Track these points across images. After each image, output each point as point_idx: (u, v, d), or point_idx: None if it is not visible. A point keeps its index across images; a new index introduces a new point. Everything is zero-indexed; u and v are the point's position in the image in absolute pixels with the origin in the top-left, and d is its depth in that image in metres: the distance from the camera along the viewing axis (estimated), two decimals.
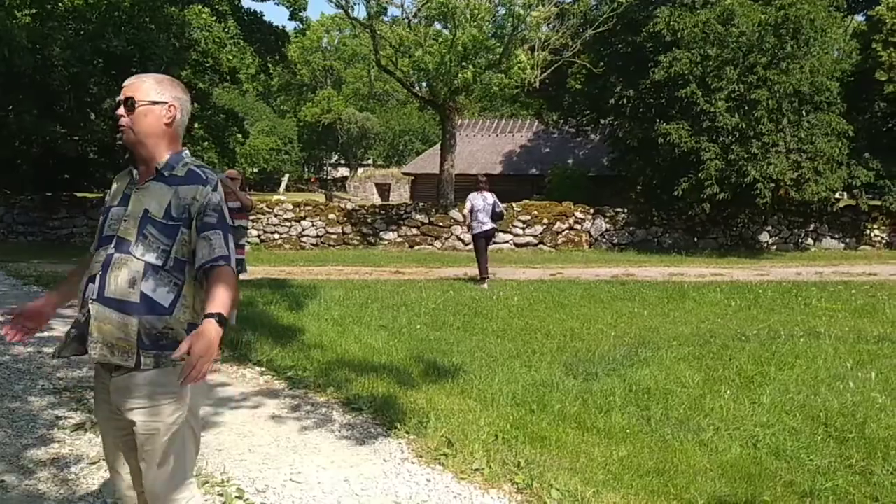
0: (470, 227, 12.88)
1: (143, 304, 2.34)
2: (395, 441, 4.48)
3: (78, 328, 2.44)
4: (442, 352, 6.98)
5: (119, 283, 2.35)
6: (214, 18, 17.34)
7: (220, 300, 2.29)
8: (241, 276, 8.48)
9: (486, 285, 12.14)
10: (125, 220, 2.41)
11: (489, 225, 12.53)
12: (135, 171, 2.49)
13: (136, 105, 2.42)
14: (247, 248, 8.29)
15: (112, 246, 2.40)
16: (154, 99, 2.44)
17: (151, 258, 2.36)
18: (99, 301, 2.37)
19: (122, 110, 2.43)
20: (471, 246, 19.63)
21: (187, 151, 2.55)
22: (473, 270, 13.49)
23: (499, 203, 12.72)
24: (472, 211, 12.50)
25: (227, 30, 17.33)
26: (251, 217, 15.72)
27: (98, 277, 2.39)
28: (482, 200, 12.53)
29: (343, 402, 5.25)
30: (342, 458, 4.19)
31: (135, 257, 2.36)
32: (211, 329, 2.20)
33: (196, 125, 19.95)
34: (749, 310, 9.95)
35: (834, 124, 18.69)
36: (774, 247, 21.02)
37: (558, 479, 3.81)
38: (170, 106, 2.46)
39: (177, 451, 2.42)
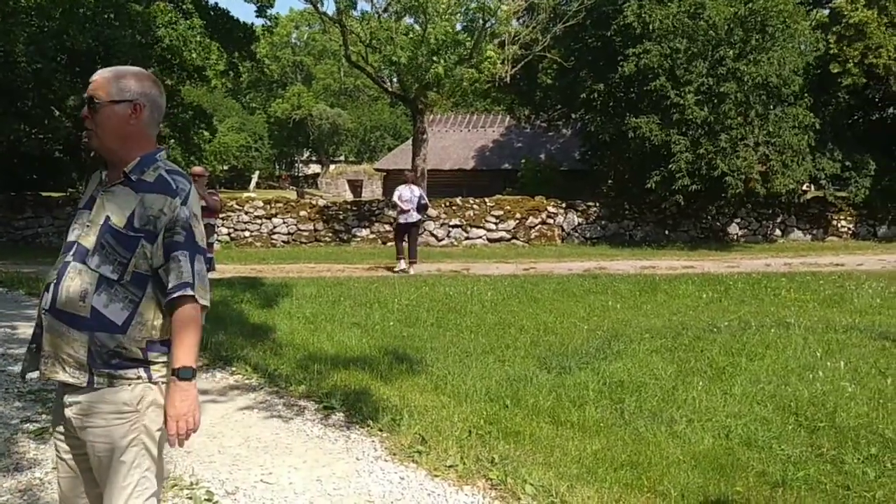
0: (396, 217, 14.14)
1: (94, 319, 2.15)
2: (368, 439, 4.43)
3: (35, 341, 2.29)
4: (415, 348, 6.95)
5: (70, 295, 2.16)
6: (180, 15, 17.07)
7: (188, 348, 2.17)
8: (211, 275, 8.36)
9: (412, 270, 13.50)
10: (87, 226, 2.23)
11: (415, 216, 13.75)
12: (104, 173, 2.30)
13: (98, 105, 2.22)
14: (216, 245, 8.15)
15: (70, 253, 2.22)
16: (116, 98, 2.23)
17: (107, 270, 2.16)
18: (50, 312, 2.20)
19: (85, 110, 2.25)
20: (444, 241, 19.77)
21: (163, 153, 2.34)
22: (447, 266, 13.52)
23: (424, 196, 14.04)
24: (401, 200, 13.68)
25: (192, 27, 17.06)
26: (221, 215, 15.55)
27: (52, 287, 2.21)
28: (409, 192, 13.72)
29: (315, 400, 5.19)
30: (314, 458, 4.14)
31: (89, 268, 2.17)
32: (178, 391, 2.15)
33: (161, 124, 19.67)
34: (720, 301, 10.04)
35: (800, 117, 18.93)
36: (744, 239, 21.27)
37: (532, 474, 3.79)
38: (135, 104, 2.24)
39: (130, 476, 2.22)
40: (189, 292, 2.17)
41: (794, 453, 4.30)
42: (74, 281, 2.17)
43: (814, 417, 4.90)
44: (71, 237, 2.26)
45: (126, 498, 2.22)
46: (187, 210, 2.21)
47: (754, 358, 6.52)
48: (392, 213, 18.96)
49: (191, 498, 3.56)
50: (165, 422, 2.21)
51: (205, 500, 3.54)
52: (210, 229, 7.90)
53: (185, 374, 2.16)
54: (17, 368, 5.85)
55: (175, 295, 2.16)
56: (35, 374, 2.31)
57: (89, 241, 2.20)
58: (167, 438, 2.27)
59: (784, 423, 4.81)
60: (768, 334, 7.54)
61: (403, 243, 13.97)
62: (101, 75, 2.28)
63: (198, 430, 2.23)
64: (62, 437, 2.32)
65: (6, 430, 4.51)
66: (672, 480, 3.82)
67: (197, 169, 8.35)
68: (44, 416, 4.74)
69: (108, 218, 2.20)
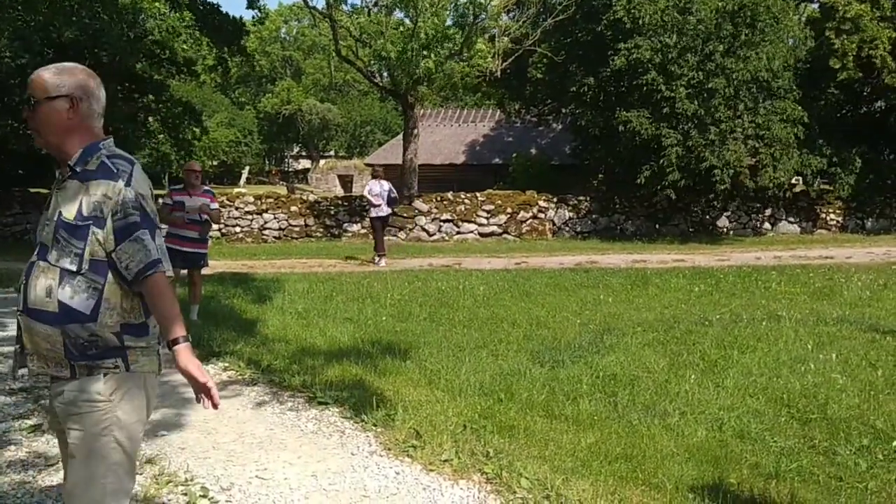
0: (369, 211, 14.98)
1: (62, 313, 2.19)
2: (363, 434, 4.43)
3: (19, 340, 2.33)
4: (408, 343, 6.93)
5: (38, 293, 2.21)
6: (169, 7, 16.93)
7: (173, 319, 2.23)
8: (204, 271, 8.33)
9: (383, 262, 14.10)
10: (46, 224, 2.28)
11: (386, 210, 14.50)
12: (58, 171, 2.34)
13: (36, 104, 2.25)
14: (209, 242, 8.14)
15: (36, 252, 2.28)
16: (52, 94, 2.25)
17: (66, 263, 2.20)
18: (24, 312, 2.25)
19: (26, 111, 2.28)
20: (435, 236, 19.77)
21: (108, 141, 2.35)
22: (439, 261, 13.50)
23: (394, 190, 14.76)
24: (371, 194, 14.43)
25: (182, 20, 16.94)
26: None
27: (23, 287, 2.27)
28: (379, 187, 14.42)
29: (309, 396, 5.18)
30: (309, 453, 4.13)
31: (50, 264, 2.21)
32: (186, 356, 2.22)
33: (151, 118, 19.53)
34: (711, 295, 10.08)
35: (789, 111, 19.01)
36: (734, 232, 21.36)
37: (527, 468, 3.80)
38: (71, 98, 2.26)
39: (95, 466, 2.22)
40: (161, 268, 2.23)
41: (787, 445, 4.32)
42: (39, 279, 2.22)
43: (806, 409, 4.93)
44: (37, 238, 2.33)
45: (86, 487, 2.23)
46: (132, 191, 2.24)
47: (746, 351, 6.55)
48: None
49: (186, 494, 3.55)
50: (195, 392, 2.29)
51: (200, 496, 3.53)
52: (207, 226, 7.92)
53: (181, 341, 2.23)
54: (4, 368, 5.82)
55: (148, 273, 2.21)
56: (24, 372, 2.34)
57: (48, 238, 2.25)
58: (142, 433, 2.36)
59: (776, 416, 4.83)
60: (760, 327, 7.57)
61: (382, 236, 14.64)
62: (36, 74, 2.30)
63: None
64: (56, 427, 2.39)
65: (0, 427, 4.48)
66: (666, 473, 3.83)
67: (192, 164, 8.28)
68: (37, 413, 4.72)
69: (60, 213, 2.24)
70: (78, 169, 2.27)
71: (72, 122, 2.27)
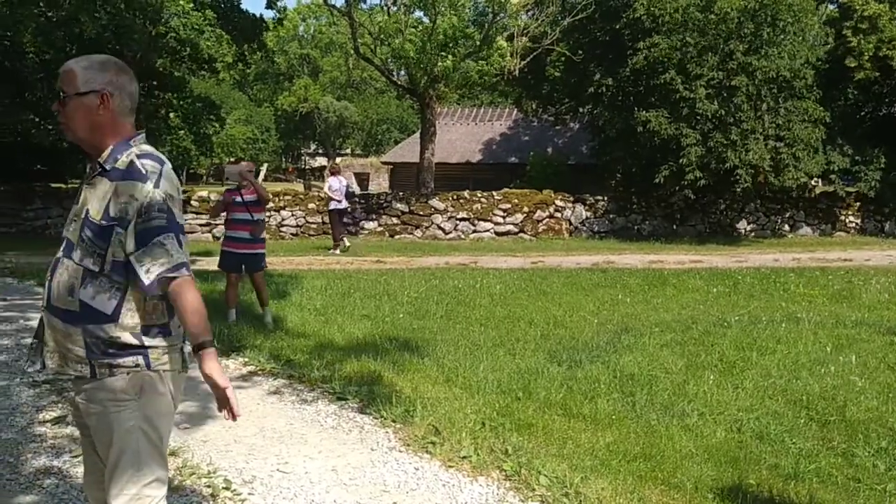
0: (328, 204, 16.38)
1: (83, 312, 2.18)
2: (382, 430, 4.46)
3: (37, 335, 2.33)
4: (426, 340, 6.96)
5: (60, 291, 2.21)
6: (191, 6, 17.06)
7: (199, 323, 2.18)
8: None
9: (338, 251, 15.71)
10: (73, 220, 2.26)
11: (344, 203, 16.19)
12: (88, 165, 2.31)
13: (66, 98, 2.22)
14: (265, 243, 7.95)
15: (61, 249, 2.27)
16: (83, 90, 2.21)
17: (89, 263, 2.18)
18: (47, 309, 2.25)
19: (56, 104, 2.25)
20: (451, 235, 19.84)
21: (139, 137, 2.31)
22: (455, 259, 13.55)
23: (352, 185, 16.51)
24: (331, 190, 16.06)
25: (204, 18, 17.07)
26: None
27: (47, 283, 2.27)
28: (338, 183, 16.13)
29: (328, 391, 5.23)
30: (329, 448, 4.17)
31: (74, 262, 2.20)
32: (210, 362, 2.20)
33: (172, 114, 19.68)
34: (729, 296, 10.04)
35: (811, 111, 18.88)
36: (752, 234, 21.23)
37: (546, 466, 3.82)
38: (102, 94, 2.22)
39: (129, 463, 2.24)
40: (185, 273, 2.18)
41: (806, 446, 4.31)
42: (63, 276, 2.22)
43: (825, 411, 4.92)
44: (64, 232, 2.31)
45: (123, 485, 2.25)
46: (160, 193, 2.19)
47: (765, 352, 6.54)
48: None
49: (209, 486, 3.60)
50: (217, 400, 2.28)
51: (223, 487, 3.57)
52: (261, 225, 7.73)
53: (208, 346, 2.20)
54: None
55: (172, 276, 2.17)
56: (36, 367, 2.34)
57: (74, 235, 2.24)
58: (171, 427, 2.37)
59: (796, 417, 4.82)
60: (778, 329, 7.54)
61: (341, 227, 16.42)
62: (67, 66, 2.27)
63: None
64: (80, 421, 2.40)
65: (23, 419, 4.56)
66: (685, 473, 3.84)
67: (246, 163, 8.21)
68: (59, 405, 4.79)
69: (87, 211, 2.22)
70: (108, 167, 2.24)
71: (102, 118, 2.24)
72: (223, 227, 8.06)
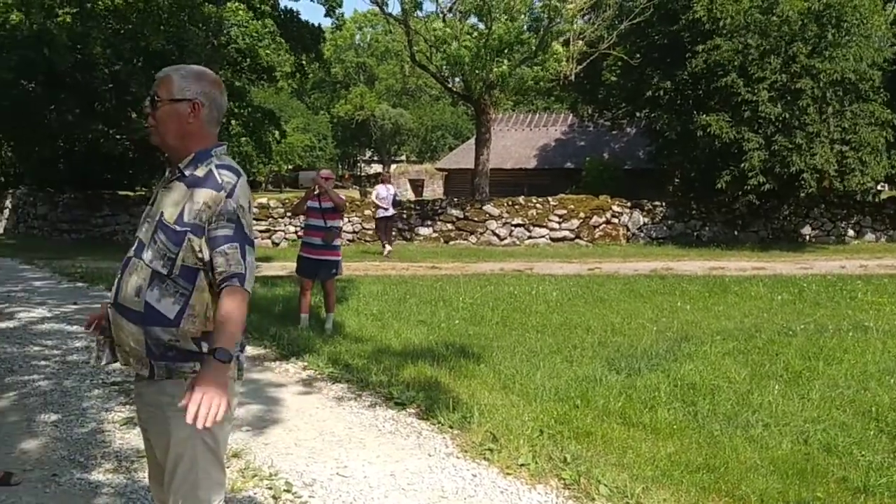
0: (376, 212, 16.93)
1: (147, 314, 2.22)
2: (440, 436, 4.47)
3: (104, 333, 2.38)
4: (481, 347, 6.96)
5: (128, 290, 2.26)
6: (251, 16, 17.50)
7: (228, 332, 2.12)
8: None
9: (386, 254, 16.20)
10: (147, 222, 2.32)
11: (391, 211, 16.58)
12: (168, 169, 2.39)
13: (159, 103, 2.30)
14: (339, 250, 8.05)
15: (133, 248, 2.32)
16: (177, 97, 2.29)
17: (158, 265, 2.23)
18: (114, 307, 2.31)
19: (148, 107, 2.33)
20: (506, 241, 19.83)
21: (221, 148, 2.36)
22: (510, 265, 13.51)
23: (399, 193, 17.11)
24: (377, 198, 16.56)
25: (265, 26, 17.49)
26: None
27: (117, 281, 2.32)
28: (385, 191, 16.57)
29: (386, 396, 5.26)
30: (387, 453, 4.20)
31: (144, 263, 2.25)
32: (211, 368, 2.07)
33: (234, 122, 20.16)
34: (794, 304, 9.78)
35: (877, 114, 18.28)
36: (816, 240, 20.61)
37: (606, 475, 3.77)
38: (194, 103, 2.30)
39: (187, 469, 2.27)
40: (237, 283, 2.18)
41: (876, 459, 4.17)
42: (132, 276, 2.27)
43: (895, 423, 4.74)
44: (137, 232, 2.37)
45: (185, 492, 2.27)
46: (233, 202, 2.23)
47: (832, 362, 6.33)
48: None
49: (271, 488, 3.66)
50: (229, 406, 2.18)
51: (284, 490, 3.63)
52: (335, 231, 7.78)
53: (221, 355, 2.09)
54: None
55: (225, 284, 2.18)
56: (103, 363, 2.42)
57: (146, 236, 2.29)
58: (230, 427, 2.36)
59: (864, 429, 4.66)
60: (846, 338, 7.30)
61: (388, 234, 16.84)
62: (165, 73, 2.35)
63: (221, 418, 2.05)
64: (140, 420, 2.45)
65: (93, 420, 4.70)
66: (750, 485, 3.74)
67: (325, 171, 8.33)
68: (128, 407, 4.93)
69: (161, 214, 2.27)
70: (187, 173, 2.30)
71: (191, 126, 2.31)
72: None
